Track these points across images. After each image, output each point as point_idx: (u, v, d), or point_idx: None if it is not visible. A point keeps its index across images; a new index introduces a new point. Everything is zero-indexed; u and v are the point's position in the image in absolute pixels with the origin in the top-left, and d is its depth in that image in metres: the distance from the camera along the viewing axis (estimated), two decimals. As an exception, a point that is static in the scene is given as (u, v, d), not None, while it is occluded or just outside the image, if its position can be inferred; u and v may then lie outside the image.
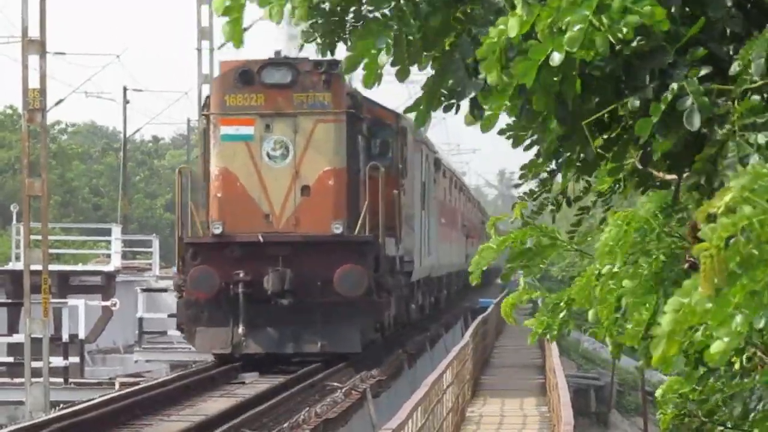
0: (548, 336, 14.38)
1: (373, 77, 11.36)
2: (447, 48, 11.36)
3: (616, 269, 12.26)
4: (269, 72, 43.67)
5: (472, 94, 11.22)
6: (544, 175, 12.78)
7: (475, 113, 11.12)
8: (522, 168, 12.66)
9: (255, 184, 44.09)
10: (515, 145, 11.58)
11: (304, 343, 43.96)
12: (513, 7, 10.28)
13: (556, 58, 9.67)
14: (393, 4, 11.83)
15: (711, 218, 8.57)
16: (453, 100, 11.57)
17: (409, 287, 57.00)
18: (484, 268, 13.97)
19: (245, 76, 43.28)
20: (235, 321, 43.43)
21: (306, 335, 43.89)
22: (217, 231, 43.83)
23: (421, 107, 11.46)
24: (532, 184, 13.30)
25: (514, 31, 9.94)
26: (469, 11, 11.22)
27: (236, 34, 11.71)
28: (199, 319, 44.41)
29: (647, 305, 11.80)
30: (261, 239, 43.13)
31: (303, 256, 43.06)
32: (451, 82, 11.47)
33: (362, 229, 44.60)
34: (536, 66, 9.78)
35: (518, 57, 10.02)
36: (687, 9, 10.84)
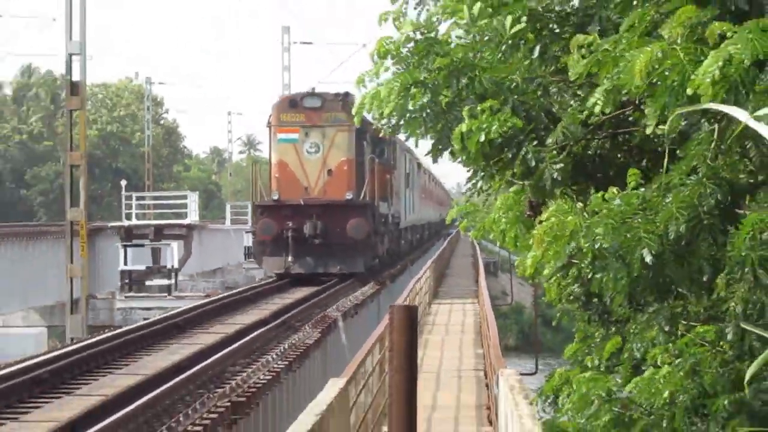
0: (474, 236, 15.84)
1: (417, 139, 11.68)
2: (438, 128, 10.83)
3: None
4: (308, 100, 46.33)
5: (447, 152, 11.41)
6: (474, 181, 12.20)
7: (451, 158, 11.25)
8: (468, 180, 12.26)
9: (299, 169, 45.65)
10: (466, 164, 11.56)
11: (329, 266, 45.48)
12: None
13: (482, 137, 9.86)
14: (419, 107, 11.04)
15: (540, 222, 9.92)
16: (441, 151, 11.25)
17: (399, 231, 62.10)
18: (453, 218, 16.23)
19: (293, 102, 46.35)
20: (286, 253, 44.72)
21: (330, 262, 45.31)
22: (275, 197, 45.11)
23: (430, 155, 11.50)
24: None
25: (465, 129, 10.00)
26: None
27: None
28: (264, 251, 46.23)
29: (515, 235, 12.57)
30: (302, 202, 44.86)
31: (328, 213, 44.90)
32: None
33: (365, 197, 46.40)
34: (476, 142, 9.90)
35: (468, 139, 10.10)
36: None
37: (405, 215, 64.37)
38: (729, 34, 7.91)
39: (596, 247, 9.03)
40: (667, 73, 8.24)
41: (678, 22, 8.48)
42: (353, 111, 11.72)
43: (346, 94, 45.15)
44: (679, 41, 8.39)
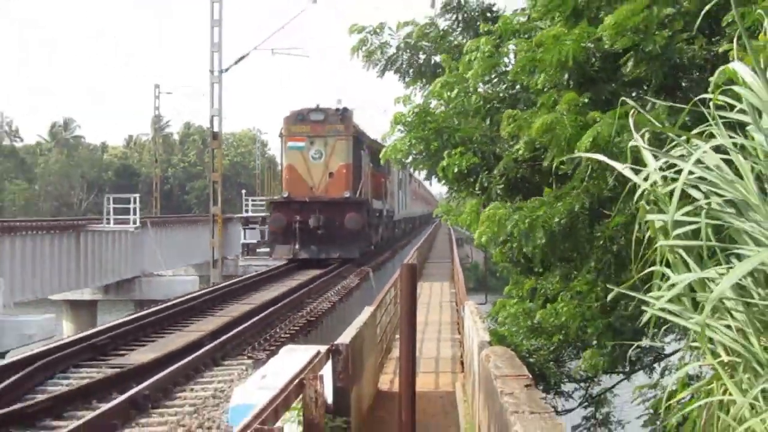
0: (450, 223, 14.11)
1: (417, 170, 11.44)
2: (430, 164, 10.61)
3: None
4: (313, 114, 34.95)
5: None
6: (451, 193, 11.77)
7: (438, 181, 10.96)
8: (447, 192, 12.24)
9: (305, 171, 34.62)
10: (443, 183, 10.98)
11: (330, 252, 34.07)
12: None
13: (456, 169, 9.87)
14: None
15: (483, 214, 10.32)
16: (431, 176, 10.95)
17: (393, 222, 50.05)
18: (438, 212, 14.58)
19: (300, 116, 34.85)
20: (294, 242, 33.94)
21: (331, 249, 34.08)
22: (285, 195, 34.52)
23: (426, 180, 11.81)
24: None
25: (445, 164, 9.93)
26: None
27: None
28: (276, 240, 35.00)
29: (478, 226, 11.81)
30: (307, 200, 33.99)
31: (329, 208, 33.95)
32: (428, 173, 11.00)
33: (360, 195, 35.32)
34: (452, 172, 9.85)
35: (447, 170, 10.01)
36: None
37: (398, 210, 52.63)
38: (598, 118, 8.12)
39: (513, 226, 9.23)
40: (557, 131, 8.43)
41: (565, 102, 8.65)
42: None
43: (345, 110, 35.71)
44: (565, 113, 8.54)
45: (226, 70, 36.92)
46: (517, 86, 10.07)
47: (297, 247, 34.18)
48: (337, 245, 34.12)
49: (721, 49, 7.60)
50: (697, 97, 4.57)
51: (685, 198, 4.35)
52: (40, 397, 10.94)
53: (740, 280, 4.14)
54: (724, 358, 4.24)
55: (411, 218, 70.81)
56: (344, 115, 35.35)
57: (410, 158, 10.86)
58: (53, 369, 13.02)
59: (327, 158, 34.82)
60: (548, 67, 8.84)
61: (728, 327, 4.19)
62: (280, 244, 34.71)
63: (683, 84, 8.97)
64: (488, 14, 12.22)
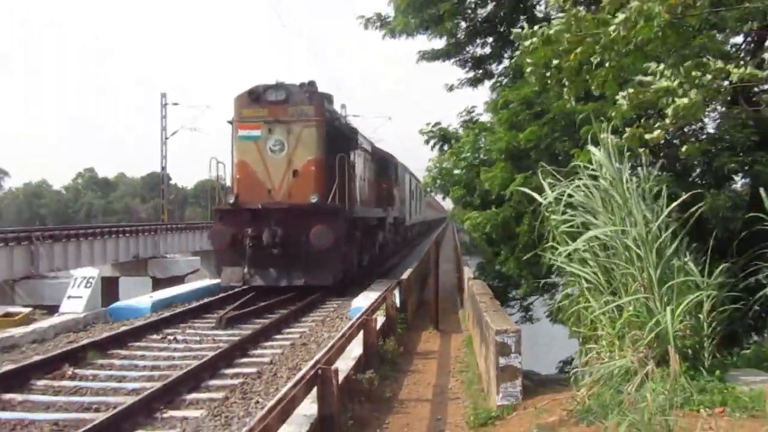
0: (454, 222, 12.45)
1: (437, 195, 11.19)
2: (444, 192, 9.85)
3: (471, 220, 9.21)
4: (271, 92, 9.93)
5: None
6: (455, 207, 11.28)
7: (450, 200, 10.91)
8: (454, 202, 10.73)
9: (262, 169, 9.86)
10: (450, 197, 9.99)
11: (292, 279, 9.56)
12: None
13: (456, 195, 9.24)
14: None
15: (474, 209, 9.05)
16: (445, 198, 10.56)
17: (405, 227, 21.59)
18: (449, 216, 12.09)
19: (255, 95, 9.92)
20: (243, 263, 9.65)
21: (293, 274, 9.55)
22: (231, 201, 9.76)
23: (437, 196, 10.88)
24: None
25: (451, 194, 9.30)
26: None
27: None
28: (224, 260, 9.86)
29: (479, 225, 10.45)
30: (260, 207, 9.61)
31: (290, 218, 9.55)
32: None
33: (334, 200, 9.85)
34: (455, 196, 9.34)
35: (452, 195, 9.30)
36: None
37: (409, 216, 22.89)
38: (516, 176, 8.08)
39: (479, 221, 8.93)
40: (494, 182, 8.39)
41: (500, 168, 8.55)
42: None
43: (312, 84, 10.27)
44: (499, 173, 8.46)
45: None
46: (485, 156, 9.82)
47: (245, 270, 9.99)
48: (302, 269, 10.09)
49: (575, 149, 7.32)
50: (575, 163, 4.81)
51: (567, 209, 4.61)
52: (253, 307, 9.54)
53: (594, 247, 4.32)
54: (585, 285, 4.40)
55: (425, 222, 41.27)
56: (312, 92, 10.59)
57: (434, 189, 10.59)
58: (263, 296, 11.46)
59: (290, 151, 10.42)
60: (495, 150, 8.84)
61: (589, 269, 4.33)
62: (227, 266, 10.24)
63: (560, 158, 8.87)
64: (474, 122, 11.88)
